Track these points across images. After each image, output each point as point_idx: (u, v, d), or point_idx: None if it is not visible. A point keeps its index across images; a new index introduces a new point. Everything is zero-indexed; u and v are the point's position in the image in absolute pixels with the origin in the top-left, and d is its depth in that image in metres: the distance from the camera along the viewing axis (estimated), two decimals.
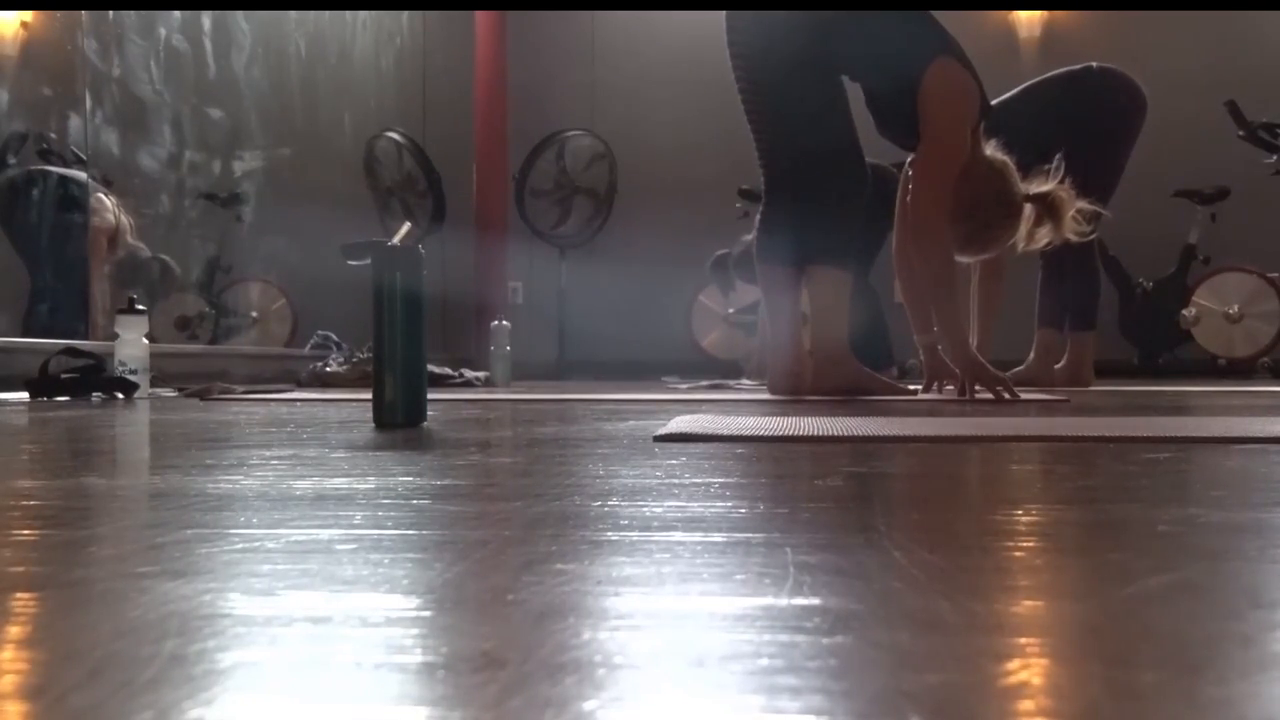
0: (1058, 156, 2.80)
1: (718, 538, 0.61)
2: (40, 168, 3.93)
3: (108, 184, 4.16)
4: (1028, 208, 2.71)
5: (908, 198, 2.84)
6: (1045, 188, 2.71)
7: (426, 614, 0.43)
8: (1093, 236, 3.09)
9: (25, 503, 0.79)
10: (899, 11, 2.64)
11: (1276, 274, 5.62)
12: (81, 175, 3.98)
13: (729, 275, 5.04)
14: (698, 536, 0.61)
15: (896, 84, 2.65)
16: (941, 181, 2.62)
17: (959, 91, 2.63)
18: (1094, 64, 3.88)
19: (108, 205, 4.16)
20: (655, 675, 0.35)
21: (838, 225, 2.71)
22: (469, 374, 4.06)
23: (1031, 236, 2.74)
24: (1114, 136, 3.81)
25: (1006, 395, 2.50)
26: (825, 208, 2.70)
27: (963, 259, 2.81)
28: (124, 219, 4.23)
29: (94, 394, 2.74)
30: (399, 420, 1.58)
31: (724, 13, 2.73)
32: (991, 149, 2.72)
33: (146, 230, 4.45)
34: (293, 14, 5.45)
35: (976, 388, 2.59)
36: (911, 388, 2.90)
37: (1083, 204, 2.74)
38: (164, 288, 4.59)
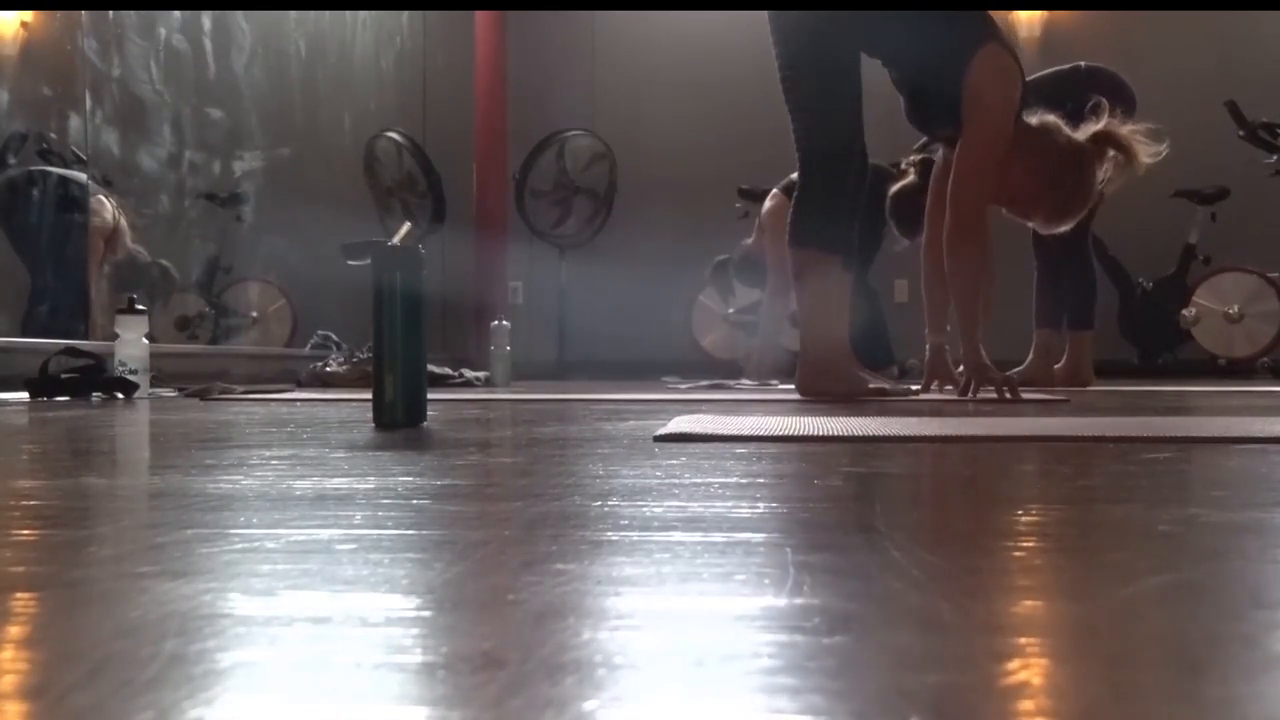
0: (1097, 98, 2.73)
1: (718, 538, 0.61)
2: (40, 168, 3.93)
3: (108, 184, 4.16)
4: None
5: (932, 189, 2.80)
6: (1097, 126, 2.64)
7: (426, 614, 0.43)
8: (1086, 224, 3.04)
9: (25, 503, 0.79)
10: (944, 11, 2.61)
11: (1276, 274, 5.62)
12: (81, 176, 3.98)
13: (729, 280, 5.05)
14: (698, 536, 0.61)
15: (940, 70, 2.60)
16: (984, 172, 2.58)
17: (1005, 78, 2.58)
18: (1082, 64, 3.88)
19: (107, 206, 4.15)
20: (655, 675, 0.35)
21: (834, 217, 2.69)
22: (469, 374, 4.06)
23: (1106, 178, 2.67)
24: None
25: (1009, 395, 2.49)
26: (826, 199, 2.68)
27: (1064, 228, 2.75)
28: (123, 222, 4.24)
29: (94, 394, 2.74)
30: (399, 420, 1.58)
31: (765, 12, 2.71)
32: (1037, 117, 2.66)
33: (147, 230, 4.46)
34: (293, 14, 5.45)
35: (982, 389, 2.57)
36: (913, 387, 2.90)
37: (1133, 125, 2.65)
38: (164, 293, 4.60)
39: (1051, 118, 2.66)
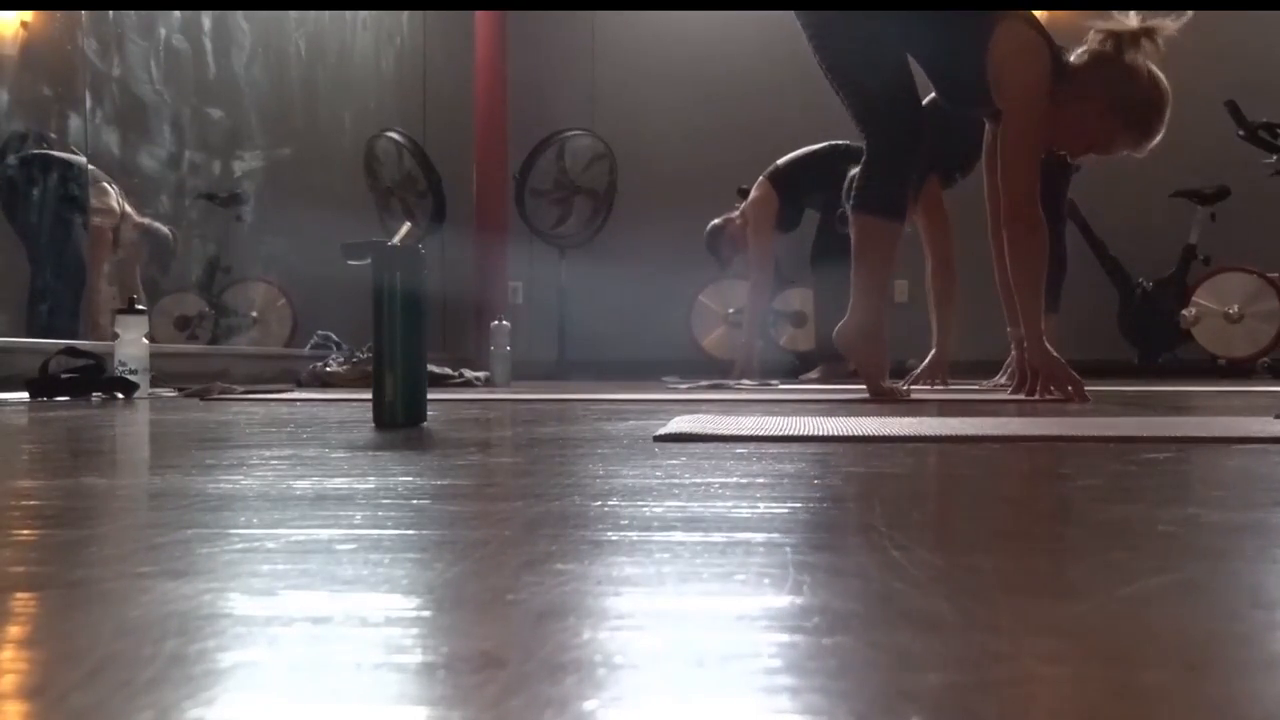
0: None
1: (718, 538, 0.61)
2: (42, 151, 3.91)
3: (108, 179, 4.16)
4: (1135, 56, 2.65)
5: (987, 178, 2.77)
6: (1127, 25, 2.66)
7: (426, 614, 0.43)
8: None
9: (25, 503, 0.79)
10: None
11: (1276, 274, 5.62)
12: (83, 159, 3.97)
13: (720, 245, 5.09)
14: (698, 536, 0.61)
15: (961, 53, 2.58)
16: (1031, 155, 2.54)
17: (1027, 53, 2.56)
18: None
19: (110, 194, 4.14)
20: (655, 675, 0.35)
21: (899, 182, 2.64)
22: (469, 374, 4.06)
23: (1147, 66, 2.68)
24: None
25: (1079, 399, 2.41)
26: (891, 163, 2.63)
27: (1155, 142, 2.73)
28: (127, 206, 4.24)
29: (94, 394, 2.74)
30: (399, 420, 1.58)
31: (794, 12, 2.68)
32: (1074, 54, 2.64)
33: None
34: (293, 14, 5.45)
35: (1051, 388, 2.49)
36: (903, 388, 2.86)
37: (1139, 14, 2.64)
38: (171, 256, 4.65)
39: (1083, 48, 2.64)
